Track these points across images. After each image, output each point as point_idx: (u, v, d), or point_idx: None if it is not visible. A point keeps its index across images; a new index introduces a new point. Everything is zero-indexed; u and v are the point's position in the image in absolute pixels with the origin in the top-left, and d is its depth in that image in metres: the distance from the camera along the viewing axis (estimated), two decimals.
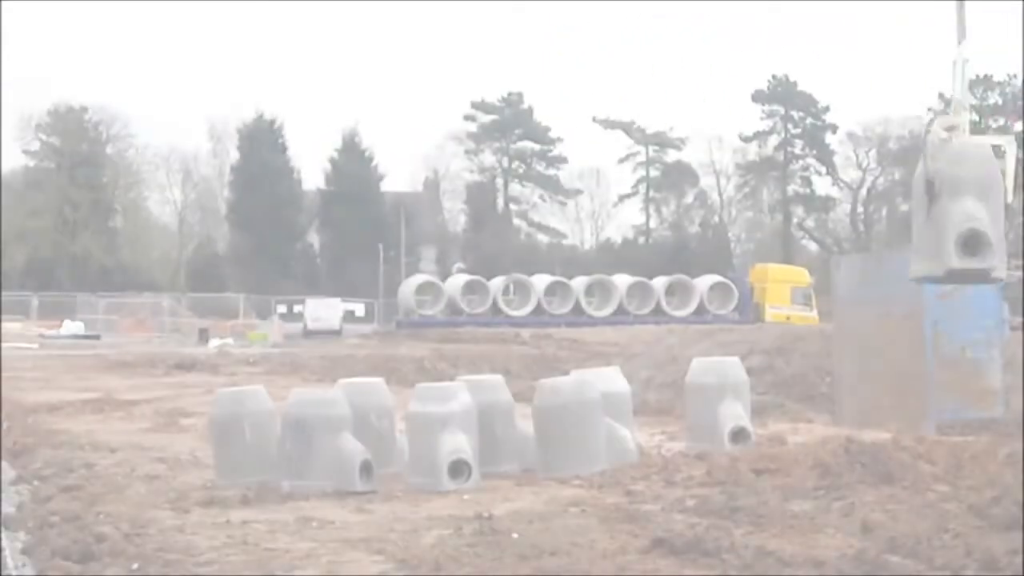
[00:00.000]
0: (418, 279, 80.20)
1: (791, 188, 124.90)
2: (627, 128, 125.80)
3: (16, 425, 24.50)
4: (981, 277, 10.66)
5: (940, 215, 10.16)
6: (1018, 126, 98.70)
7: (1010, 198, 10.41)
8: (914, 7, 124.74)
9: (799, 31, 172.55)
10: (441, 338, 59.22)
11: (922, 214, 10.43)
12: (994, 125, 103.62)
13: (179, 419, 25.50)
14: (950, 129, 10.56)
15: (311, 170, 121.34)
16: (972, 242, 9.99)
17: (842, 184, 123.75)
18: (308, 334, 77.85)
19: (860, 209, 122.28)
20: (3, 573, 11.31)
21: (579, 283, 74.79)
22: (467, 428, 15.82)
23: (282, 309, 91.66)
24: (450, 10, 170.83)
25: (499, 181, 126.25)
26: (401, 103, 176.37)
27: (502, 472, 16.58)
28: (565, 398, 16.56)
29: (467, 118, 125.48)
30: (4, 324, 73.15)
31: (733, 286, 75.40)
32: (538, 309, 72.10)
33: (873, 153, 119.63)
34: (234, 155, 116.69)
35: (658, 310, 72.68)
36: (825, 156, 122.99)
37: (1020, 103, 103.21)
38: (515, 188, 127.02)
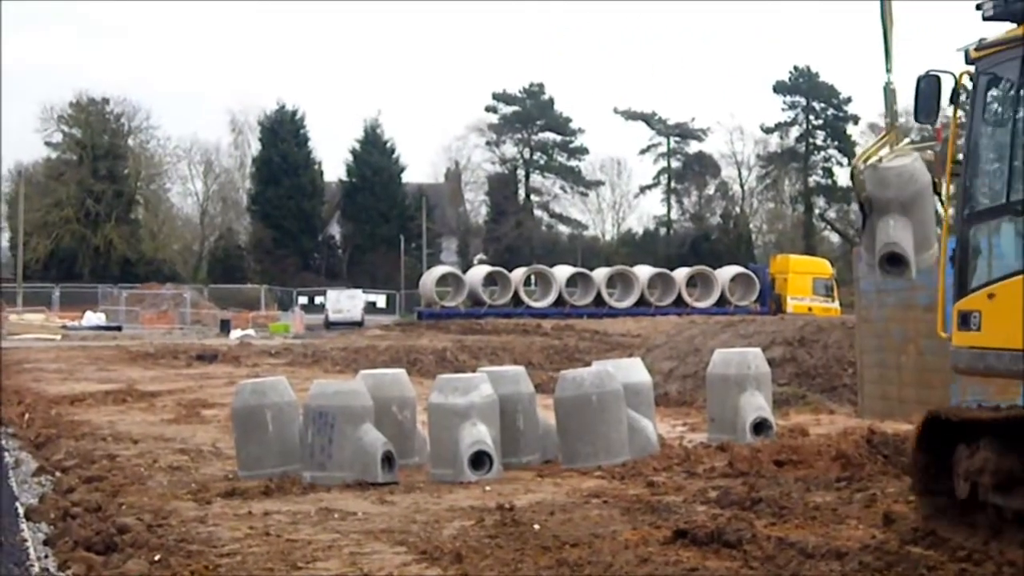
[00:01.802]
0: (439, 270, 79.99)
1: (813, 179, 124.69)
2: (648, 119, 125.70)
3: (38, 416, 24.60)
4: (905, 280, 14.05)
5: (870, 232, 12.54)
6: None
7: (943, 189, 12.26)
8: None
9: (821, 21, 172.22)
10: (462, 329, 59.20)
11: (861, 229, 12.88)
12: None
13: (201, 410, 25.57)
14: (875, 156, 12.70)
15: (332, 161, 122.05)
16: (893, 260, 12.46)
17: None
18: (330, 325, 77.97)
19: None
20: (26, 564, 11.34)
21: (600, 274, 74.59)
22: (489, 419, 15.83)
23: (303, 300, 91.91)
24: (472, 1, 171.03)
25: (520, 172, 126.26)
26: (423, 94, 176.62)
27: (524, 463, 16.61)
28: (586, 389, 16.55)
29: (488, 109, 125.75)
30: (26, 315, 73.48)
31: (755, 277, 75.11)
32: (559, 300, 71.88)
33: None
34: (256, 147, 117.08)
35: (679, 301, 72.44)
36: (847, 147, 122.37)
37: None
38: (536, 179, 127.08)
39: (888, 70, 12.96)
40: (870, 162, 12.49)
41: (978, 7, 10.94)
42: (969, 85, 11.33)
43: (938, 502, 11.25)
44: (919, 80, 11.61)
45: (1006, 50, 10.77)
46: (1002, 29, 10.87)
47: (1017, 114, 10.74)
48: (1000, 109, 11.11)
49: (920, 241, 12.48)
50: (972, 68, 11.22)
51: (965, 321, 11.01)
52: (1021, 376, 10.57)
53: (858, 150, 17.20)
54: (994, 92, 11.12)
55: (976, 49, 11.11)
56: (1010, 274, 10.42)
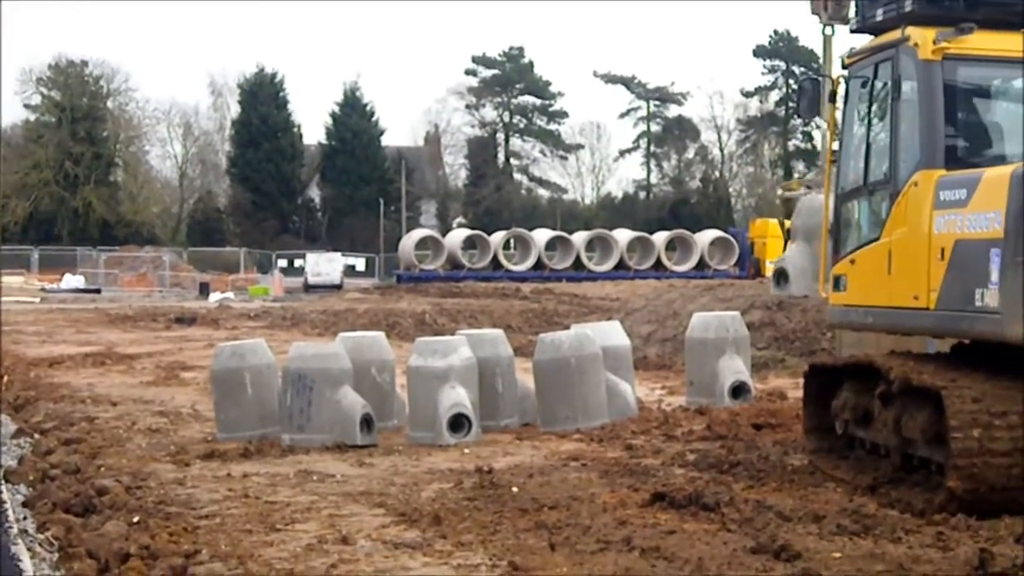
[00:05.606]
0: (419, 233, 79.76)
1: (792, 143, 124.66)
2: (628, 83, 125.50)
3: (17, 379, 24.56)
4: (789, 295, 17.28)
5: None
6: None
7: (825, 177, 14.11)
8: None
9: None
10: (441, 292, 59.04)
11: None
12: None
13: (180, 373, 25.54)
14: (797, 188, 15.28)
15: (312, 124, 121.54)
16: (782, 276, 15.09)
17: None
18: (309, 288, 77.70)
19: None
20: (4, 526, 11.34)
21: (580, 238, 74.46)
22: (467, 382, 15.86)
23: (283, 263, 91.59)
24: None
25: (500, 136, 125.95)
26: (402, 57, 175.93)
27: (502, 426, 16.65)
28: (565, 353, 16.58)
29: (468, 72, 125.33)
30: (5, 278, 73.23)
31: (734, 241, 75.01)
32: (538, 264, 71.77)
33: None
34: (235, 109, 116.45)
35: (658, 265, 72.35)
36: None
37: None
38: (516, 143, 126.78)
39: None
40: (791, 193, 15.59)
41: (845, 22, 12.58)
42: (843, 87, 13.42)
43: (822, 440, 13.16)
44: (801, 82, 14.09)
45: (867, 57, 12.86)
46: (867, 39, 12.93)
47: (871, 109, 12.83)
48: (862, 106, 13.10)
49: (819, 271, 14.11)
50: (846, 72, 13.33)
51: (836, 284, 13.25)
52: (871, 328, 13.16)
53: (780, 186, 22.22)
54: (860, 92, 13.11)
55: (848, 56, 13.30)
56: (865, 243, 12.65)
